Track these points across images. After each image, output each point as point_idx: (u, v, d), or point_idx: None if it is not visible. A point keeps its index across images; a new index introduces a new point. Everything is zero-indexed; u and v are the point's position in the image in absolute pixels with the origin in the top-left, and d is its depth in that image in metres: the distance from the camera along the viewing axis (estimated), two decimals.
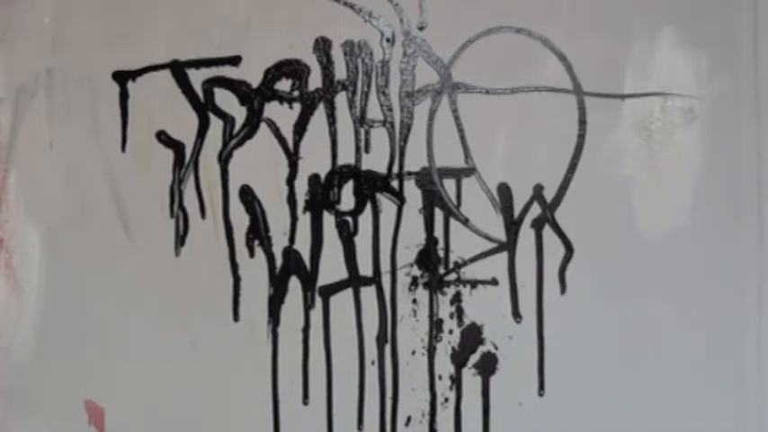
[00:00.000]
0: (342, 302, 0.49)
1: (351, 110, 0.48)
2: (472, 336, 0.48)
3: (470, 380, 0.48)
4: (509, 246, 0.48)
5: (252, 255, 0.49)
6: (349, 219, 0.48)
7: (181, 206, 0.49)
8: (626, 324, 0.47)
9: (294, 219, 0.49)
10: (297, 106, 0.49)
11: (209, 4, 0.49)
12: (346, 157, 0.48)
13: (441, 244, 0.48)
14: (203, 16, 0.49)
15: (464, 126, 0.48)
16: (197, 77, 0.49)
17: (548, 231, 0.48)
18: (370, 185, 0.48)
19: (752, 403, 0.47)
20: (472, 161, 0.48)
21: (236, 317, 0.49)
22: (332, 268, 0.48)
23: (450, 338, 0.48)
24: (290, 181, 0.49)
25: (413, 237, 0.48)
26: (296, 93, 0.49)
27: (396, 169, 0.48)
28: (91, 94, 0.50)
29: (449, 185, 0.48)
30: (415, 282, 0.48)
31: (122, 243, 0.49)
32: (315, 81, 0.48)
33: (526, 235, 0.48)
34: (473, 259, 0.48)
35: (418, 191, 0.48)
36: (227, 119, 0.49)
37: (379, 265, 0.48)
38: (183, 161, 0.49)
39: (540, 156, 0.48)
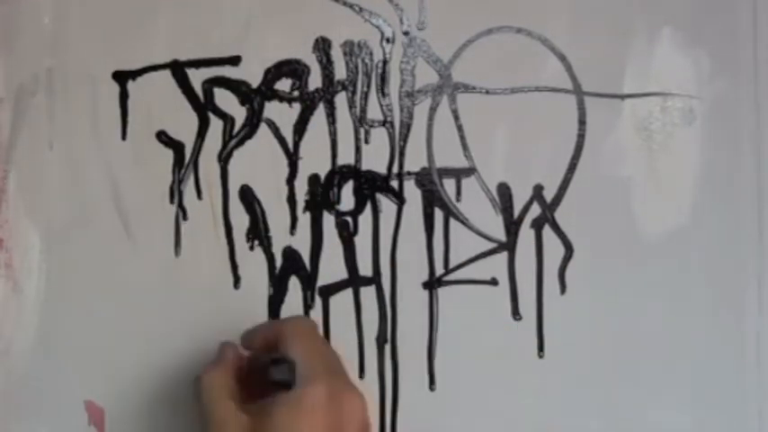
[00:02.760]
0: (342, 302, 0.49)
1: (351, 110, 0.48)
2: (472, 336, 0.48)
3: (470, 379, 0.48)
4: (509, 246, 0.48)
5: (251, 255, 0.49)
6: (349, 219, 0.48)
7: (181, 206, 0.49)
8: (626, 324, 0.47)
9: (294, 219, 0.49)
10: (297, 106, 0.49)
11: (209, 4, 0.49)
12: (346, 157, 0.48)
13: (441, 244, 0.48)
14: (203, 16, 0.49)
15: (464, 126, 0.48)
16: (197, 77, 0.49)
17: (548, 231, 0.48)
18: (370, 185, 0.48)
19: (752, 403, 0.47)
20: (472, 161, 0.48)
21: (236, 317, 0.49)
22: (332, 268, 0.49)
23: (450, 338, 0.48)
24: (290, 181, 0.49)
25: (413, 237, 0.48)
26: (296, 93, 0.49)
27: (396, 169, 0.48)
28: (91, 94, 0.50)
29: (449, 185, 0.48)
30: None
31: (122, 243, 0.49)
32: (315, 81, 0.48)
33: (526, 235, 0.48)
34: (473, 259, 0.48)
35: (418, 191, 0.48)
36: (227, 119, 0.49)
37: (378, 265, 0.48)
38: (183, 161, 0.49)
39: (540, 156, 0.48)
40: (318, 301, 0.49)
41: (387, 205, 0.48)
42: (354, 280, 0.48)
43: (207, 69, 0.49)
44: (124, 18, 0.49)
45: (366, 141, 0.48)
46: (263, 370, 0.38)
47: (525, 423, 0.48)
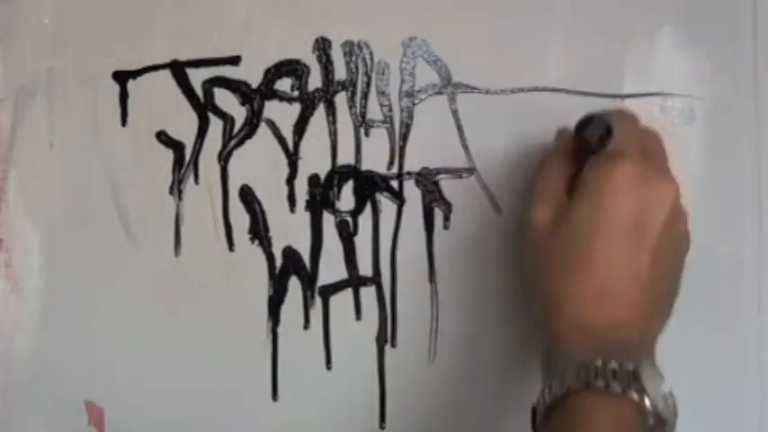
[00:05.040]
0: (342, 302, 0.49)
1: (351, 110, 0.48)
2: (472, 335, 0.48)
3: (470, 378, 0.48)
4: (509, 246, 0.48)
5: (251, 255, 0.49)
6: (349, 219, 0.48)
7: (180, 206, 0.49)
8: None
9: (294, 219, 0.49)
10: (297, 106, 0.49)
11: (209, 4, 0.49)
12: (346, 157, 0.48)
13: (441, 244, 0.48)
14: (203, 16, 0.49)
15: (464, 126, 0.48)
16: (197, 77, 0.49)
17: None
18: (370, 185, 0.48)
19: (751, 403, 0.47)
20: (472, 161, 0.48)
21: (235, 317, 0.49)
22: (332, 268, 0.48)
23: (451, 338, 0.48)
24: (290, 181, 0.49)
25: (413, 237, 0.48)
26: (296, 93, 0.49)
27: (396, 169, 0.48)
28: (91, 94, 0.50)
29: (449, 185, 0.48)
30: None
31: (122, 243, 0.49)
32: (315, 81, 0.48)
33: None
34: (473, 259, 0.48)
35: (418, 191, 0.48)
36: (227, 119, 0.49)
37: (378, 265, 0.48)
38: (183, 161, 0.49)
39: (539, 156, 0.48)
40: (318, 301, 0.49)
41: (387, 205, 0.48)
42: (354, 280, 0.48)
43: (207, 69, 0.49)
44: (124, 18, 0.49)
45: (367, 134, 0.48)
46: (579, 130, 0.39)
47: (527, 421, 0.48)
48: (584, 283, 0.35)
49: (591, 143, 0.38)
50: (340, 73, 0.48)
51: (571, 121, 0.47)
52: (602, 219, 0.35)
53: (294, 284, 0.49)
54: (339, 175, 0.48)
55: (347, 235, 0.48)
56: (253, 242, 0.49)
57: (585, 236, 0.35)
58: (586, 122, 0.38)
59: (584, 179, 0.37)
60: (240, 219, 0.49)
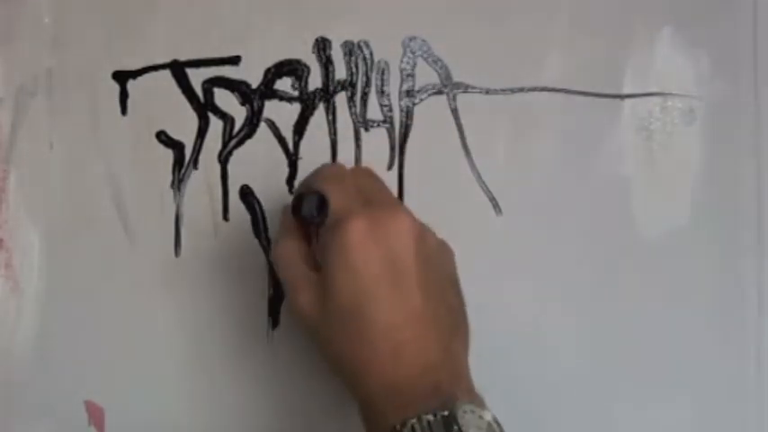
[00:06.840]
0: None
1: (351, 110, 0.48)
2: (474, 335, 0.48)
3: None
4: (509, 246, 0.48)
5: (251, 255, 0.49)
6: None
7: (181, 206, 0.49)
8: (625, 324, 0.47)
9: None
10: (297, 106, 0.49)
11: (209, 4, 0.49)
12: (346, 156, 0.48)
13: None
14: (203, 16, 0.49)
15: (464, 126, 0.48)
16: (197, 77, 0.49)
17: (548, 231, 0.48)
18: None
19: (752, 403, 0.47)
20: (472, 161, 0.48)
21: (235, 317, 0.49)
22: None
23: None
24: (290, 181, 0.49)
25: None
26: (296, 93, 0.49)
27: (396, 169, 0.48)
28: (91, 94, 0.50)
29: (448, 185, 0.48)
30: None
31: (122, 243, 0.49)
32: (315, 81, 0.48)
33: (526, 235, 0.48)
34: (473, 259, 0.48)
35: (418, 191, 0.48)
36: (227, 119, 0.49)
37: None
38: (183, 161, 0.49)
39: (540, 156, 0.48)
40: None
41: None
42: None
43: (207, 69, 0.49)
44: (124, 18, 0.49)
45: (367, 130, 0.48)
46: (295, 211, 0.38)
47: (523, 420, 0.48)
48: (371, 345, 0.34)
49: (313, 218, 0.37)
50: (340, 73, 0.48)
51: (571, 122, 0.48)
52: (357, 281, 0.34)
53: None
54: None
55: None
56: (253, 242, 0.49)
57: (351, 302, 0.35)
58: (299, 202, 0.38)
59: (324, 251, 0.36)
60: (240, 219, 0.49)
